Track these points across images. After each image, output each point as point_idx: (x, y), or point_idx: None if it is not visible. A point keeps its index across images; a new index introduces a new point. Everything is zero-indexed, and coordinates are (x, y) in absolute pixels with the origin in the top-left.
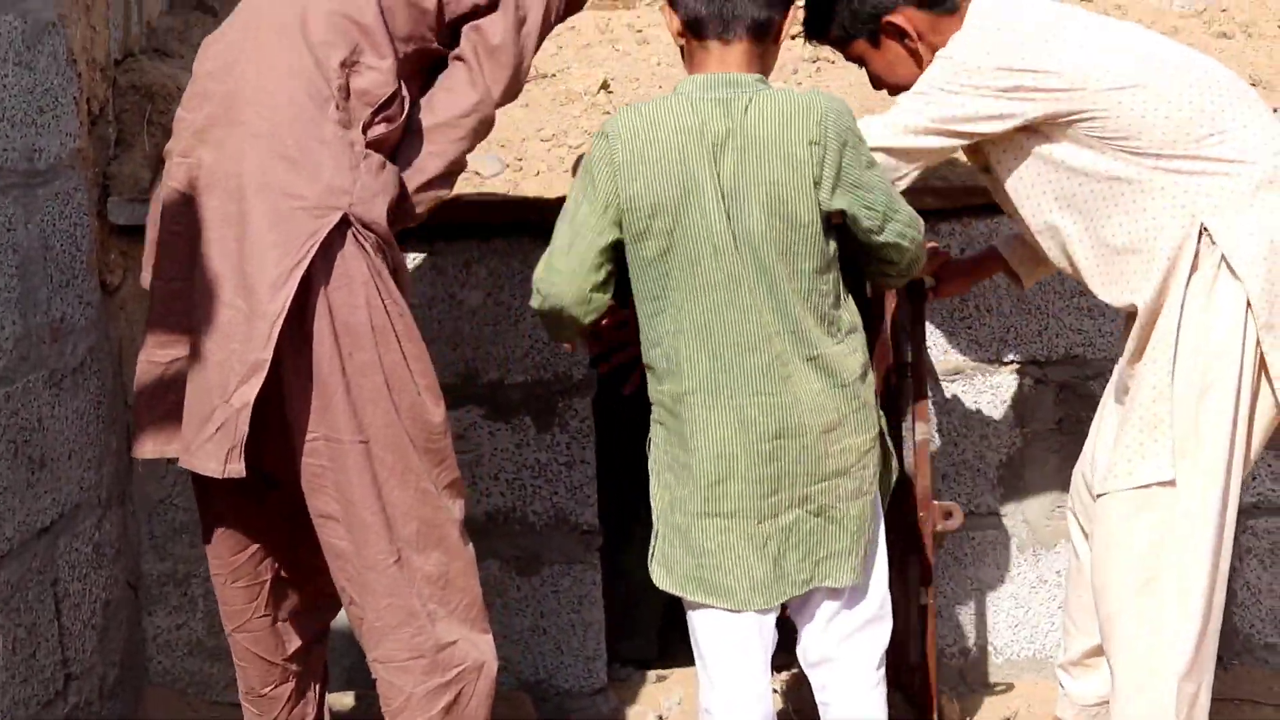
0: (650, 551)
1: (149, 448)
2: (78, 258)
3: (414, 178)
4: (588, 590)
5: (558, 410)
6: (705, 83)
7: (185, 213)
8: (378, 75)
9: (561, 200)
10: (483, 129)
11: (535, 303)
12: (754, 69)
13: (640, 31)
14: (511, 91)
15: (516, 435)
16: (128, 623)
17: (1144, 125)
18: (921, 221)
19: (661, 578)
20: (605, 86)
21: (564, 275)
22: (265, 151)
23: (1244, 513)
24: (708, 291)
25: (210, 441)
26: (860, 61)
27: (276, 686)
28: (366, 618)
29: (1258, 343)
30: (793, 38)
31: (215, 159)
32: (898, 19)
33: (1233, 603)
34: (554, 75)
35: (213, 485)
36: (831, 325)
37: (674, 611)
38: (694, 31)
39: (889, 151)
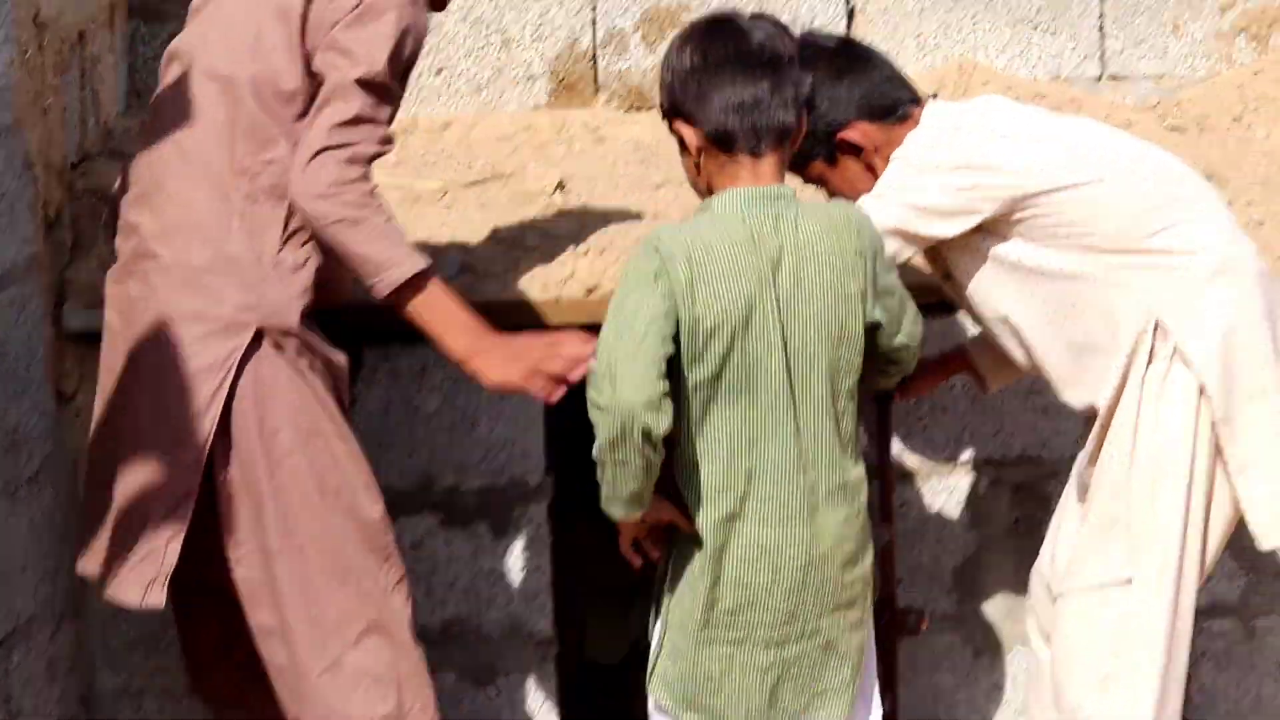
0: (650, 666)
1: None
2: (33, 366)
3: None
4: (542, 702)
5: (513, 517)
6: (747, 197)
7: (116, 341)
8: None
9: (518, 303)
10: None
11: (603, 430)
12: (782, 177)
13: (596, 130)
14: None
15: (472, 542)
16: None
17: (1099, 219)
18: (921, 317)
19: (662, 694)
20: (561, 186)
21: (631, 381)
22: (177, 282)
23: (1200, 613)
24: (751, 416)
25: (133, 571)
26: (819, 182)
27: None
28: None
29: (1213, 433)
30: None
31: (139, 292)
32: (852, 134)
33: (1188, 705)
34: (510, 175)
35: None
36: (853, 447)
37: None
38: (722, 146)
39: None
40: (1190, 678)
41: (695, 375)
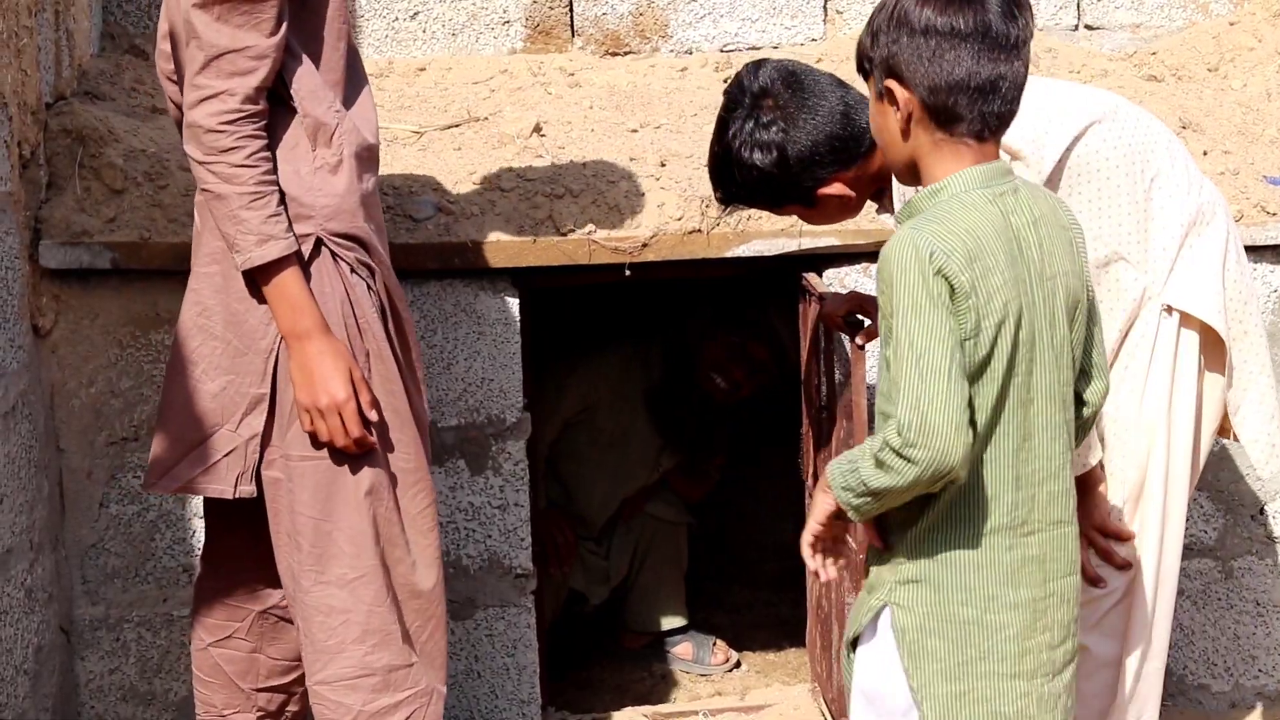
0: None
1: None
2: (9, 301)
3: None
4: (522, 634)
5: (491, 453)
6: (985, 175)
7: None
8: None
9: (494, 243)
10: None
11: (902, 473)
12: (999, 153)
13: (573, 75)
14: None
15: (450, 479)
16: (60, 668)
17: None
18: None
19: None
20: (538, 129)
21: (947, 433)
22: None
23: None
24: (1021, 414)
25: (218, 466)
26: (793, 215)
27: (239, 713)
28: (312, 637)
29: (1199, 382)
30: None
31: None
32: (833, 189)
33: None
34: (486, 118)
35: (225, 509)
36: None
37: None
38: (942, 123)
39: None
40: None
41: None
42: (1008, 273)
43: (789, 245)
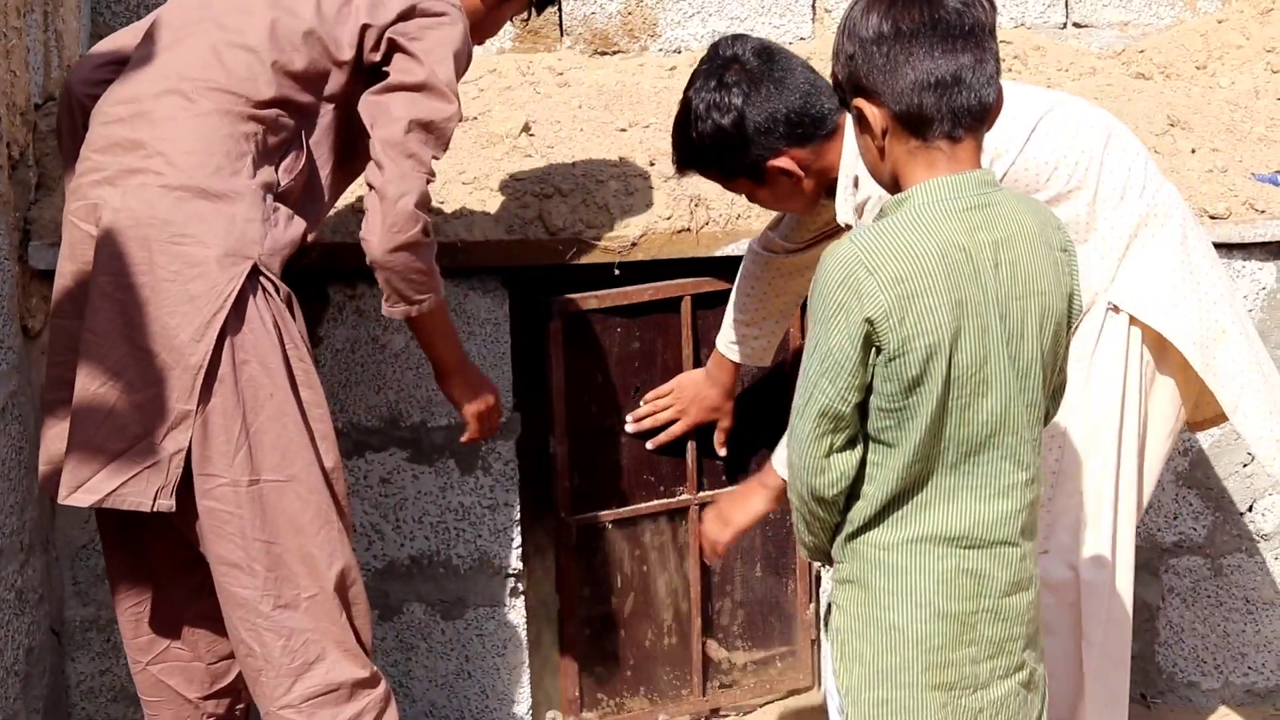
0: None
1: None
2: None
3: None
4: (512, 634)
5: (481, 453)
6: (954, 186)
7: (89, 255)
8: (286, 125)
9: (483, 243)
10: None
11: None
12: (980, 160)
13: (561, 75)
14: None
15: (440, 479)
16: (51, 669)
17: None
18: None
19: None
20: (527, 129)
21: (805, 473)
22: (177, 201)
23: (1166, 551)
24: (964, 431)
25: (138, 478)
26: (742, 192)
27: None
28: (274, 661)
29: (1143, 383)
30: None
31: (125, 205)
32: (782, 162)
33: (1155, 641)
34: (476, 118)
35: (124, 523)
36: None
37: None
38: (914, 129)
39: None
40: (1157, 613)
41: (911, 398)
42: (946, 295)
43: None
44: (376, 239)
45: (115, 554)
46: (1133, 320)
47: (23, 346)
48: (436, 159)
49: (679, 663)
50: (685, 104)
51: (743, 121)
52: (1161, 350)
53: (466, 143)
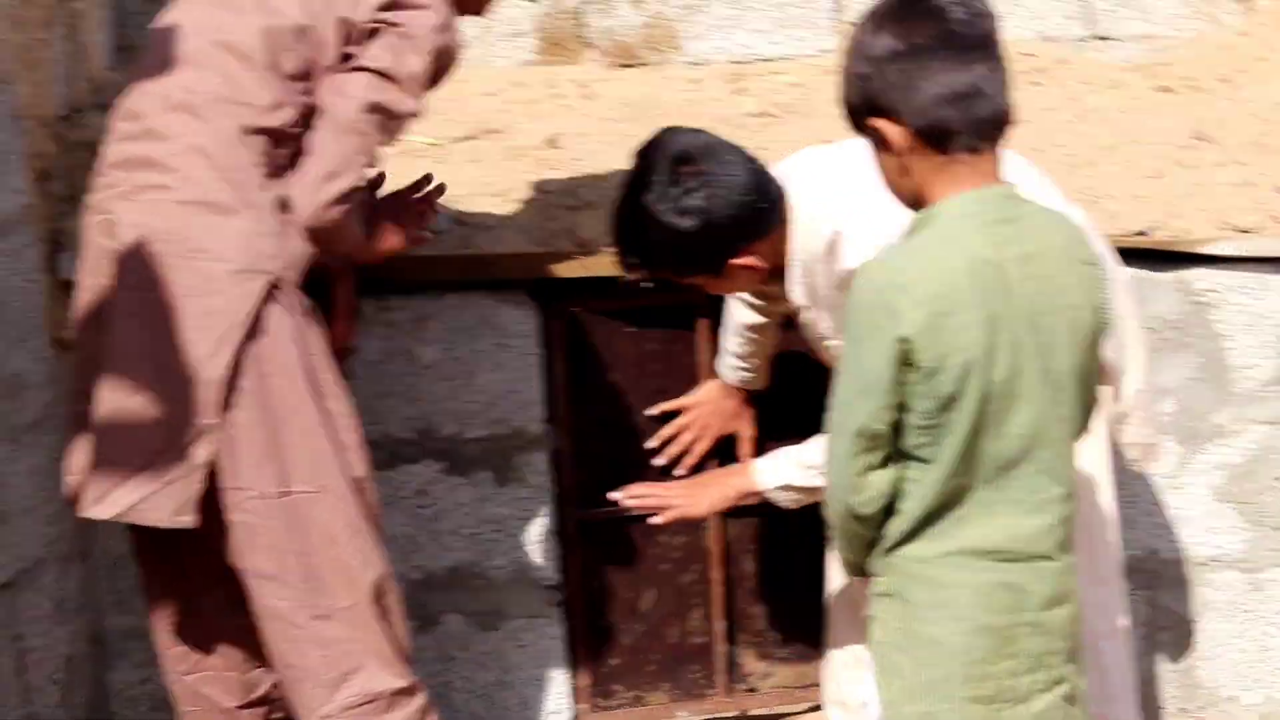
0: None
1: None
2: (31, 314)
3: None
4: (550, 645)
5: (515, 465)
6: (979, 201)
7: (107, 269)
8: (293, 134)
9: (510, 255)
10: None
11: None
12: (1001, 172)
13: (586, 87)
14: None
15: (477, 490)
16: (91, 678)
17: None
18: None
19: None
20: (553, 142)
21: (841, 493)
22: (190, 215)
23: (1204, 566)
24: (999, 445)
25: (159, 494)
26: (695, 284)
27: None
28: (313, 672)
29: None
30: None
31: (140, 221)
32: (743, 260)
33: (1195, 655)
34: (501, 131)
35: (158, 534)
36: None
37: None
38: (936, 144)
39: None
40: (1196, 627)
41: (949, 413)
42: (978, 310)
43: None
44: (301, 207)
45: (150, 565)
46: None
47: (55, 358)
48: (382, 146)
49: (703, 662)
50: (638, 207)
51: (710, 223)
52: None
53: (493, 155)
